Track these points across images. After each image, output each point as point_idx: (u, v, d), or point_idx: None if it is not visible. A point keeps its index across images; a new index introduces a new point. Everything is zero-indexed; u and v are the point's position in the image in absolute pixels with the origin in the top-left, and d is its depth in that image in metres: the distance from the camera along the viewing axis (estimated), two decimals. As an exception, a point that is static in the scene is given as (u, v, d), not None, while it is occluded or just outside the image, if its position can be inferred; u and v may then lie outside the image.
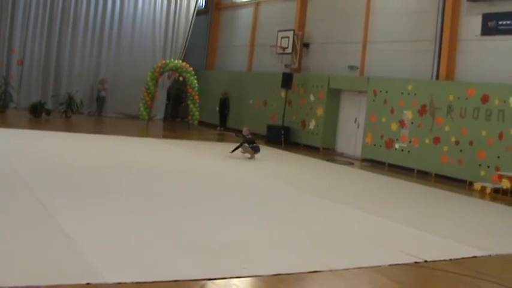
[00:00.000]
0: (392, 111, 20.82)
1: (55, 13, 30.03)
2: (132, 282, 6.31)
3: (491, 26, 18.27)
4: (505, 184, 16.15)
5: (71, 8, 30.41)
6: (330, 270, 7.50)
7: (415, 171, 19.77)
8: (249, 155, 18.89)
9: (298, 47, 26.82)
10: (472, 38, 19.12)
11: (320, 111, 24.44)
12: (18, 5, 29.00)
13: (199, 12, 34.70)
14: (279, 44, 27.17)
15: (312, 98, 24.97)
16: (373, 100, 21.76)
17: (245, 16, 32.57)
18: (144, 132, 24.94)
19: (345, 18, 24.82)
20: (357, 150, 23.05)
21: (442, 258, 8.62)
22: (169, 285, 6.40)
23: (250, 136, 19.19)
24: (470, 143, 17.91)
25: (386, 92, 21.17)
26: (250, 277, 7.02)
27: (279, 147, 23.89)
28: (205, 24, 35.36)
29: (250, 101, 28.98)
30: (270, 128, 26.05)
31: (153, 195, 11.47)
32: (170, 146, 20.42)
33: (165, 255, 7.42)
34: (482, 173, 17.47)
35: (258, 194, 13.04)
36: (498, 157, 17.09)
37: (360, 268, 7.77)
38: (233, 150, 18.91)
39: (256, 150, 18.97)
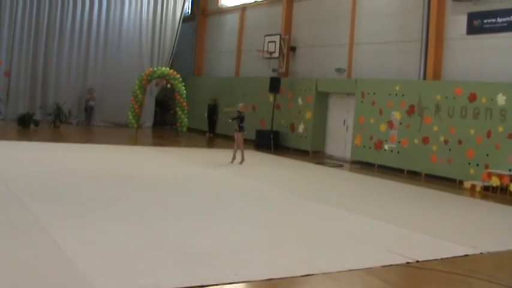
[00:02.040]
0: (380, 113, 20.87)
1: (41, 24, 29.97)
2: (124, 292, 6.30)
3: (477, 24, 18.36)
4: (494, 182, 16.20)
5: (56, 18, 30.38)
6: (323, 273, 7.50)
7: (405, 171, 19.81)
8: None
9: (285, 51, 26.85)
10: (458, 37, 19.22)
11: (308, 115, 24.47)
12: (3, 16, 28.92)
13: (186, 19, 34.72)
14: (265, 48, 27.20)
15: (300, 101, 24.99)
16: (361, 102, 21.81)
17: (231, 21, 32.58)
18: (133, 141, 24.88)
19: (331, 21, 24.89)
20: (346, 153, 23.09)
21: (433, 258, 8.63)
22: (162, 293, 6.39)
23: (243, 114, 19.17)
24: (459, 142, 17.98)
25: (374, 93, 21.22)
26: (242, 283, 7.01)
27: (269, 152, 23.90)
28: (191, 31, 35.40)
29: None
30: (259, 133, 26.06)
31: (143, 203, 11.44)
32: (160, 154, 20.38)
33: (156, 263, 7.39)
34: (472, 171, 17.54)
35: (249, 199, 13.04)
36: (487, 155, 17.16)
37: (352, 270, 7.77)
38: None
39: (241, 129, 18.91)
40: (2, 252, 7.27)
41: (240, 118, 18.91)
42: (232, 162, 18.70)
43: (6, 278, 6.38)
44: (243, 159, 18.80)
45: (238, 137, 18.74)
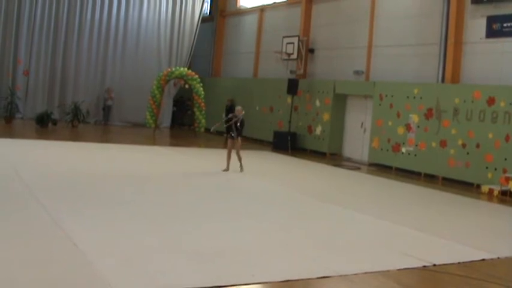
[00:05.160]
0: (398, 115, 20.81)
1: (60, 23, 30.14)
2: (141, 291, 6.33)
3: (496, 28, 18.27)
4: (512, 186, 16.13)
5: (75, 18, 30.53)
6: (339, 276, 7.51)
7: (422, 174, 19.75)
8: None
9: (303, 53, 26.82)
10: (477, 40, 19.12)
11: (326, 117, 24.44)
12: (23, 15, 29.10)
13: (204, 20, 34.77)
14: (284, 50, 27.18)
15: (317, 103, 24.97)
16: (379, 104, 21.75)
17: (250, 23, 32.58)
18: (151, 141, 24.94)
19: (349, 23, 24.83)
20: (363, 155, 23.03)
21: (450, 262, 8.62)
22: (179, 293, 6.41)
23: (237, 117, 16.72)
24: (477, 146, 17.89)
25: (392, 96, 21.16)
26: (259, 284, 7.03)
27: (286, 153, 23.89)
28: (210, 32, 35.41)
29: (257, 108, 28.99)
30: (277, 134, 26.08)
31: (159, 203, 11.49)
32: (176, 154, 20.43)
33: (172, 263, 7.43)
34: (490, 175, 17.45)
35: (264, 200, 13.05)
36: (505, 159, 17.06)
37: (368, 273, 7.77)
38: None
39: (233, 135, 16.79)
40: (19, 252, 7.33)
41: (238, 121, 16.74)
42: (227, 169, 16.89)
43: (24, 277, 6.43)
44: (241, 167, 17.06)
45: (236, 142, 16.82)
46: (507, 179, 16.36)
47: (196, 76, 28.82)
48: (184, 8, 33.56)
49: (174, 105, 34.02)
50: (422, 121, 19.88)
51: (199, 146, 24.85)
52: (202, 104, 28.69)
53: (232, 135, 16.83)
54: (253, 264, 7.70)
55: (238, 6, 34.08)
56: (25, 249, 7.46)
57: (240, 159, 17.01)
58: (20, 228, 8.46)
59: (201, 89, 28.69)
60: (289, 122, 25.67)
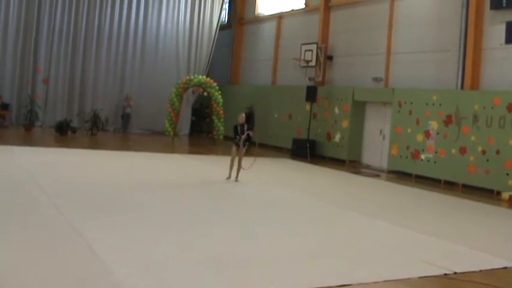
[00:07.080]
0: (417, 122, 20.72)
1: (79, 32, 30.38)
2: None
3: (516, 34, 18.15)
4: (533, 193, 16.00)
5: (94, 26, 30.77)
6: (359, 284, 7.45)
7: (442, 181, 19.64)
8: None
9: (321, 60, 26.79)
10: (496, 46, 19.00)
11: (345, 124, 24.38)
12: (42, 24, 29.36)
13: (222, 27, 34.80)
14: (302, 57, 27.16)
15: (336, 110, 24.92)
16: (398, 111, 21.67)
17: (268, 30, 32.60)
18: (169, 148, 24.97)
19: (368, 30, 24.78)
20: (383, 162, 22.94)
21: (471, 270, 8.55)
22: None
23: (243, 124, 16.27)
24: (497, 152, 17.77)
25: (411, 103, 21.07)
26: (279, 292, 7.00)
27: (305, 161, 23.84)
28: (228, 39, 35.45)
29: (275, 115, 28.98)
30: (296, 142, 26.04)
31: (178, 211, 11.49)
32: (195, 162, 20.45)
33: (190, 271, 7.40)
34: (510, 182, 17.31)
35: (283, 207, 13.04)
36: (526, 166, 16.96)
37: (389, 281, 7.71)
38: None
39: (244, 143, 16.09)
40: (40, 260, 7.34)
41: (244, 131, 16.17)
42: (229, 177, 16.30)
43: (45, 284, 6.45)
44: (237, 176, 16.30)
45: (241, 150, 16.18)
46: (528, 186, 16.26)
47: (215, 84, 28.82)
48: (203, 16, 33.67)
49: (193, 114, 34.09)
50: (442, 128, 19.78)
51: (217, 153, 24.83)
52: (221, 112, 28.68)
53: (238, 142, 16.10)
54: (271, 272, 7.66)
55: (256, 13, 34.10)
56: (45, 257, 7.47)
57: (239, 168, 16.29)
58: (39, 236, 8.49)
59: (220, 96, 28.68)
60: (308, 129, 25.63)
